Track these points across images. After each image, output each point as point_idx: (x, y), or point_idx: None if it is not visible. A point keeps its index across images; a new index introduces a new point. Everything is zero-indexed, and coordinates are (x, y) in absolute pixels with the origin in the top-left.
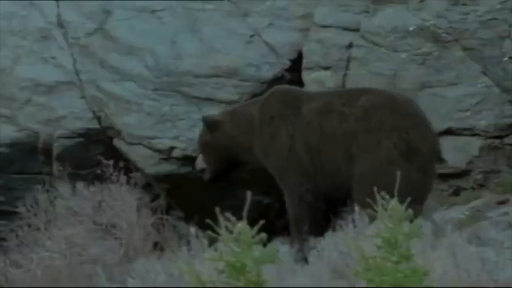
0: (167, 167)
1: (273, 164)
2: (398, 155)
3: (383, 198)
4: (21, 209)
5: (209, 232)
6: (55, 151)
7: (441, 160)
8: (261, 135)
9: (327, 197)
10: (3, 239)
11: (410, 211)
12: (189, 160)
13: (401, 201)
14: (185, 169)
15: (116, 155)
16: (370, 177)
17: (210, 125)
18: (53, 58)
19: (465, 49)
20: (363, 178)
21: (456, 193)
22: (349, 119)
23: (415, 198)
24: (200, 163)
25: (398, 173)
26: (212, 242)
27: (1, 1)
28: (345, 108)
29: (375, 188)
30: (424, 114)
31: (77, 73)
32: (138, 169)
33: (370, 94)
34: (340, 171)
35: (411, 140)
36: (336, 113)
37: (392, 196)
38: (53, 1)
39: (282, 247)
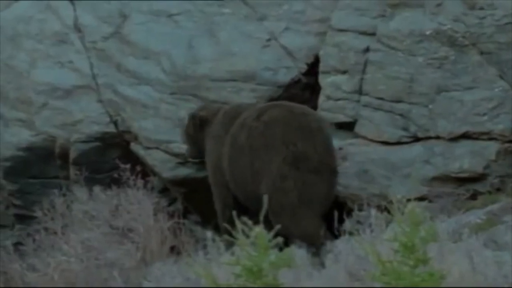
0: (184, 171)
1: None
2: (288, 169)
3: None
4: (38, 213)
5: (225, 236)
6: (72, 155)
7: (334, 173)
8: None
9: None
10: (20, 243)
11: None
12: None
13: (309, 207)
14: (202, 173)
15: (133, 159)
16: (272, 195)
17: (198, 123)
18: (70, 62)
19: (482, 53)
20: (268, 195)
21: (473, 197)
22: (253, 133)
23: (318, 198)
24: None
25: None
26: (229, 246)
27: (18, 4)
28: (253, 122)
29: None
30: (321, 128)
31: (93, 77)
32: (155, 173)
33: (274, 108)
34: (248, 183)
35: (297, 150)
36: (246, 127)
37: (294, 207)
38: (70, 5)
39: (298, 251)
